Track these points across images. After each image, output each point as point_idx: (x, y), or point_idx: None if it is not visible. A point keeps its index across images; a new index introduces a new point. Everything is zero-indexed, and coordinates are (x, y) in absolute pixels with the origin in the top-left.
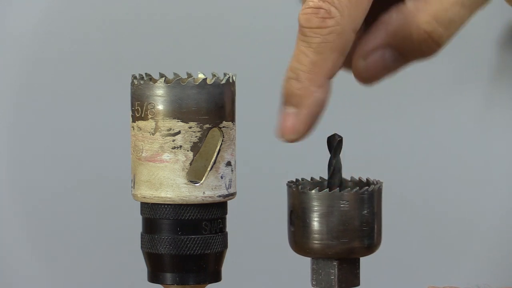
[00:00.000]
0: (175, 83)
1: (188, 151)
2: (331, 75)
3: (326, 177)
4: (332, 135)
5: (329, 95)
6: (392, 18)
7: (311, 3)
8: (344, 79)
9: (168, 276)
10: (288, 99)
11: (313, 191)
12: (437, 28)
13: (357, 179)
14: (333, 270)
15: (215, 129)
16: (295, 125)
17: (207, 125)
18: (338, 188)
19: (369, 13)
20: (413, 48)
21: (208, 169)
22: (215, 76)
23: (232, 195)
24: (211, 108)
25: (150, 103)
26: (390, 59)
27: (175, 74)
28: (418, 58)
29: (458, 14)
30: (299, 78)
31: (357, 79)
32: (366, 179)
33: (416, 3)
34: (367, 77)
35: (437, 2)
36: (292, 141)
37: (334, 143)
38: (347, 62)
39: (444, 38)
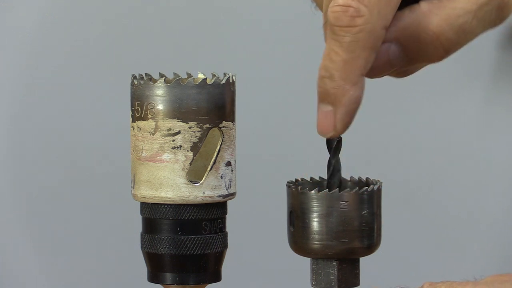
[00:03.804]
0: (175, 83)
1: (188, 151)
2: (364, 72)
3: (325, 177)
4: None
5: (363, 91)
6: (404, 15)
7: (340, 1)
8: None
9: (168, 276)
10: (324, 97)
11: (312, 191)
12: (447, 32)
13: (357, 179)
14: (333, 270)
15: (215, 129)
16: (333, 123)
17: (207, 125)
18: (337, 188)
19: None
20: (419, 49)
21: (208, 169)
22: (215, 76)
23: (232, 195)
24: (211, 108)
25: (150, 103)
26: (395, 54)
27: (175, 74)
28: (423, 61)
29: (470, 24)
30: (332, 77)
31: None
32: (366, 179)
33: (430, 5)
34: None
35: (451, 7)
36: (331, 137)
37: (333, 143)
38: None
39: (452, 44)
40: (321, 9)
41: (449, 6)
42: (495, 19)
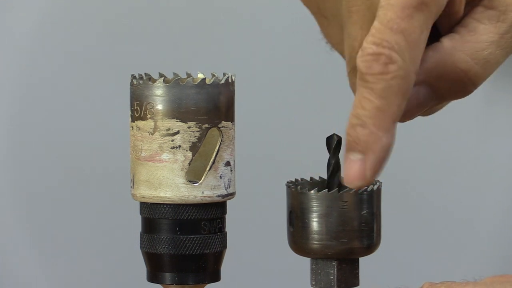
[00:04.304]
0: (174, 83)
1: (187, 151)
2: (396, 119)
3: (325, 177)
4: (331, 135)
5: (394, 139)
6: (428, 56)
7: (370, 50)
8: (343, 78)
9: (167, 276)
10: (354, 146)
11: (312, 191)
12: (474, 67)
13: None
14: (332, 270)
15: (214, 129)
16: (362, 172)
17: (206, 125)
18: (337, 188)
19: None
20: (448, 87)
21: (207, 169)
22: (214, 76)
23: (231, 195)
24: (210, 108)
25: (149, 103)
26: (424, 96)
27: (174, 74)
28: (452, 97)
29: (494, 55)
30: (364, 124)
31: None
32: None
33: (452, 41)
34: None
35: (474, 41)
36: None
37: (333, 143)
38: None
39: (480, 78)
40: (340, 53)
41: (472, 40)
42: None
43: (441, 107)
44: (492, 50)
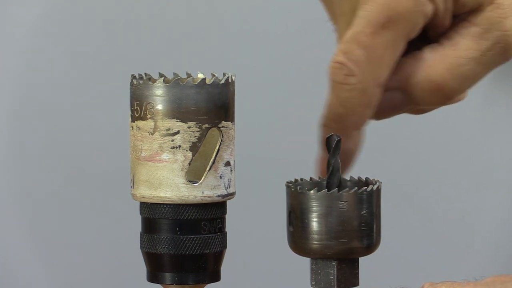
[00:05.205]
0: (174, 83)
1: (187, 151)
2: (358, 127)
3: (325, 177)
4: (331, 135)
5: (357, 144)
6: (407, 63)
7: (338, 58)
8: None
9: (167, 276)
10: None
11: (311, 191)
12: (450, 81)
13: (356, 178)
14: (332, 270)
15: (214, 129)
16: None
17: (206, 125)
18: (336, 188)
19: None
20: (422, 96)
21: (207, 169)
22: (214, 76)
23: (231, 195)
24: (210, 108)
25: (149, 103)
26: (400, 101)
27: (174, 74)
28: (427, 105)
29: (473, 71)
30: (329, 127)
31: None
32: (365, 178)
33: (433, 53)
34: (374, 114)
35: (454, 56)
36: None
37: (333, 143)
38: None
39: (455, 93)
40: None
41: (452, 54)
42: (499, 60)
43: (429, 109)
44: (471, 67)
